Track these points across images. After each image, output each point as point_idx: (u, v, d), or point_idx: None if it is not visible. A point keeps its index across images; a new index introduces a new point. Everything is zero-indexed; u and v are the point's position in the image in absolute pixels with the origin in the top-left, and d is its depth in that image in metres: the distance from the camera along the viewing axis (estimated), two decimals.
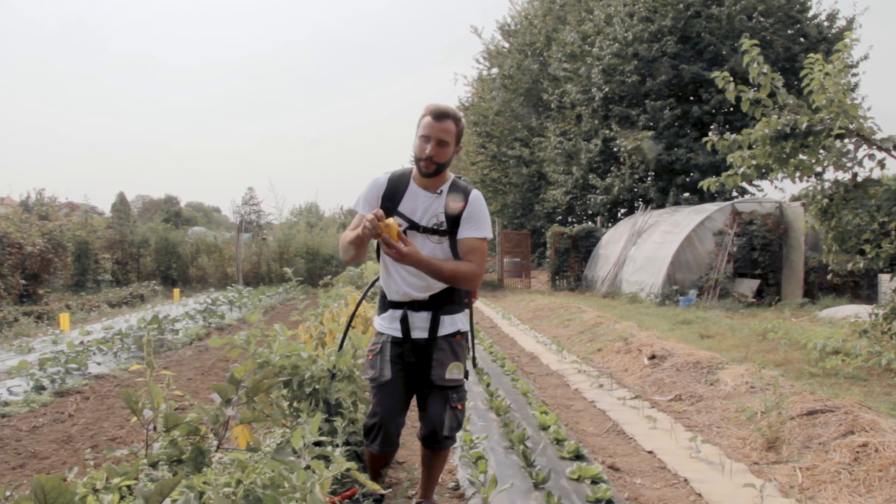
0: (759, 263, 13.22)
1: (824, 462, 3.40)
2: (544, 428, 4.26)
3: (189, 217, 56.87)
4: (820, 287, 13.04)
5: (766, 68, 6.88)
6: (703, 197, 18.63)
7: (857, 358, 6.03)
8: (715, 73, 7.03)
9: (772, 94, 6.86)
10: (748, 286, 12.98)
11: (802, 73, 6.64)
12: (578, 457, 3.74)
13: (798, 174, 6.78)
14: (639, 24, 19.74)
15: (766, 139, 6.68)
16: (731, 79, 6.97)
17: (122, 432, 4.46)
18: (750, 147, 6.93)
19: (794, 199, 13.53)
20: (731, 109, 19.17)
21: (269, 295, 14.37)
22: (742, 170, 7.04)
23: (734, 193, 18.93)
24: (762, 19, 19.43)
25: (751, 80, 7.02)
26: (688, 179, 18.89)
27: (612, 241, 16.63)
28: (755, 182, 19.48)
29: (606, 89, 20.33)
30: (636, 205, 20.59)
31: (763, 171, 7.11)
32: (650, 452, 3.94)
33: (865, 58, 20.47)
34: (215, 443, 2.13)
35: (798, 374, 5.94)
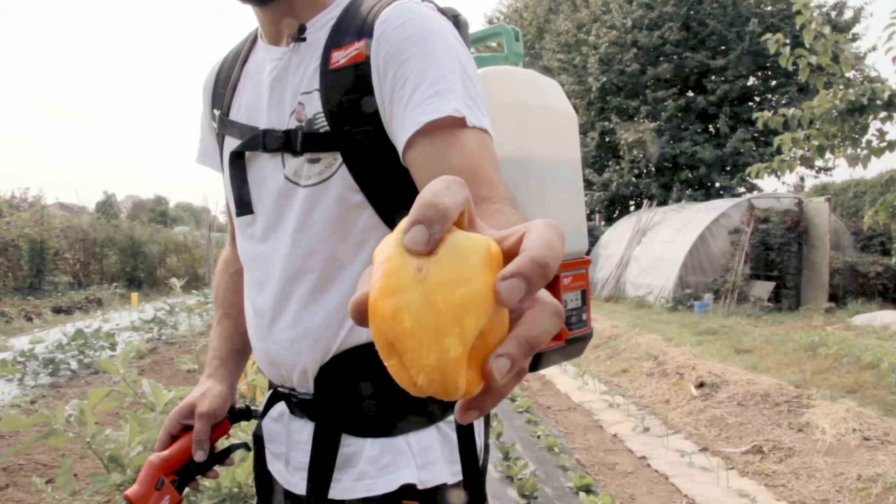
0: (774, 264, 12.11)
1: None
2: None
3: (176, 217, 56.07)
4: (845, 290, 11.93)
5: (826, 29, 5.62)
6: (709, 193, 17.54)
7: None
8: (767, 36, 5.77)
9: (834, 59, 5.63)
10: (763, 289, 11.83)
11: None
12: None
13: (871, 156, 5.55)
14: (638, 10, 18.59)
15: (833, 113, 5.42)
16: (787, 42, 5.74)
17: None
18: (811, 123, 5.67)
19: (818, 192, 12.42)
20: (737, 100, 18.05)
21: None
22: (801, 153, 5.76)
23: (740, 189, 17.87)
24: (769, 7, 18.41)
25: (807, 46, 5.76)
26: (692, 175, 17.75)
27: (613, 241, 15.49)
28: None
29: (604, 79, 19.17)
30: (635, 202, 19.46)
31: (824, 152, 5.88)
32: None
33: (873, 49, 19.58)
34: None
35: (884, 406, 4.72)
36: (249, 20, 1.18)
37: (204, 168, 1.19)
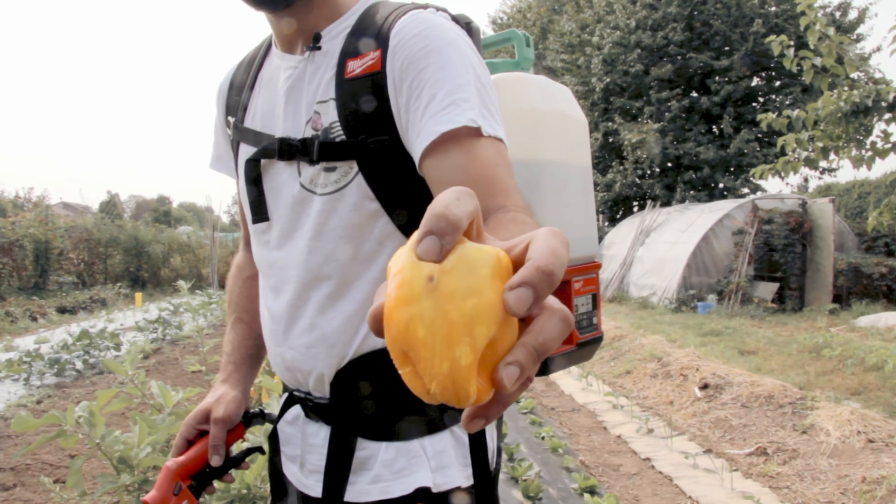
0: (778, 265, 12.08)
1: None
2: None
3: (179, 217, 56.11)
4: (849, 292, 11.90)
5: (830, 31, 5.62)
6: (712, 194, 17.52)
7: None
8: (771, 38, 5.77)
9: (838, 61, 5.63)
10: (767, 290, 11.81)
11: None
12: None
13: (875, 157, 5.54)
14: (642, 10, 18.57)
15: (837, 114, 5.41)
16: (791, 43, 5.73)
17: None
18: (815, 124, 5.67)
19: (822, 193, 12.38)
20: (741, 101, 18.03)
21: None
22: (805, 154, 5.75)
23: (744, 190, 17.85)
24: (773, 7, 18.38)
25: (811, 47, 5.75)
26: (695, 175, 17.73)
27: (617, 242, 15.48)
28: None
29: (607, 80, 19.15)
30: (638, 202, 19.45)
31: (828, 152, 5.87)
32: None
33: (878, 49, 19.54)
34: None
35: (889, 408, 4.71)
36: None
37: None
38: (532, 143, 1.11)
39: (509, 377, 0.37)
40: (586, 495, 3.19)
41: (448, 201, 0.39)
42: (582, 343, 1.16)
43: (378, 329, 0.39)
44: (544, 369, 1.12)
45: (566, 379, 6.14)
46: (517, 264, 0.39)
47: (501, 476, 3.49)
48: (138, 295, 13.40)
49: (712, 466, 3.70)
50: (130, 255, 17.84)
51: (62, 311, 11.79)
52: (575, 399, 5.43)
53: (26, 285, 15.34)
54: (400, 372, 0.39)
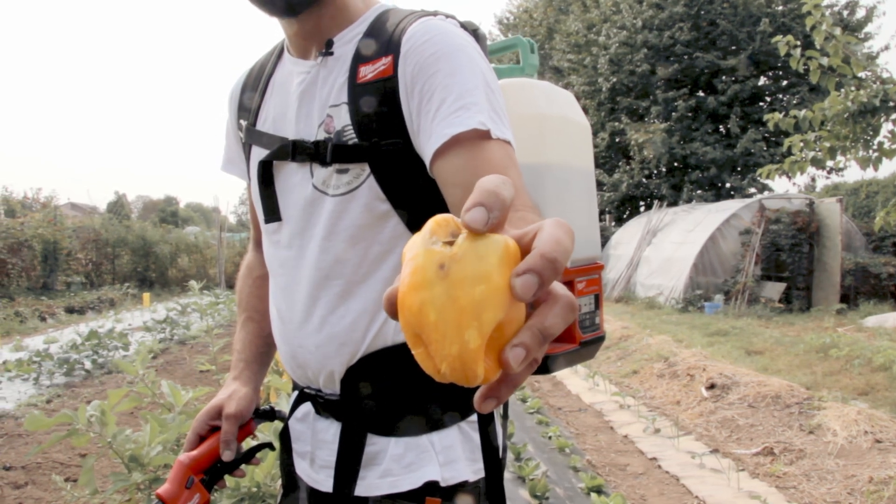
0: (785, 265, 12.04)
1: None
2: None
3: (186, 217, 56.33)
4: (857, 292, 11.85)
5: (837, 30, 5.61)
6: (719, 194, 17.49)
7: None
8: (777, 38, 5.76)
9: (845, 61, 5.62)
10: (774, 290, 11.77)
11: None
12: None
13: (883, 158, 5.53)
14: (648, 10, 18.54)
15: (844, 114, 5.40)
16: (798, 43, 5.72)
17: None
18: (822, 124, 5.66)
19: (830, 192, 12.34)
20: (748, 101, 17.97)
21: None
22: (812, 154, 5.74)
23: (751, 190, 17.80)
24: (780, 6, 18.31)
25: (818, 47, 5.74)
26: (702, 175, 17.69)
27: (623, 241, 15.47)
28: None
29: (614, 80, 19.13)
30: (645, 202, 19.42)
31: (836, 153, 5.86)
32: None
33: (886, 48, 19.43)
34: None
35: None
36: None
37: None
38: (536, 147, 1.13)
39: (515, 358, 0.39)
40: (593, 495, 3.21)
41: (499, 182, 0.42)
42: (584, 342, 1.18)
43: (392, 311, 0.42)
44: (547, 368, 1.14)
45: (573, 379, 6.15)
46: (526, 252, 0.42)
47: (508, 475, 3.51)
48: (146, 295, 13.47)
49: (719, 466, 3.71)
50: (138, 255, 17.93)
51: (70, 311, 11.86)
52: (582, 399, 5.44)
53: (35, 285, 15.44)
54: (413, 352, 0.42)
